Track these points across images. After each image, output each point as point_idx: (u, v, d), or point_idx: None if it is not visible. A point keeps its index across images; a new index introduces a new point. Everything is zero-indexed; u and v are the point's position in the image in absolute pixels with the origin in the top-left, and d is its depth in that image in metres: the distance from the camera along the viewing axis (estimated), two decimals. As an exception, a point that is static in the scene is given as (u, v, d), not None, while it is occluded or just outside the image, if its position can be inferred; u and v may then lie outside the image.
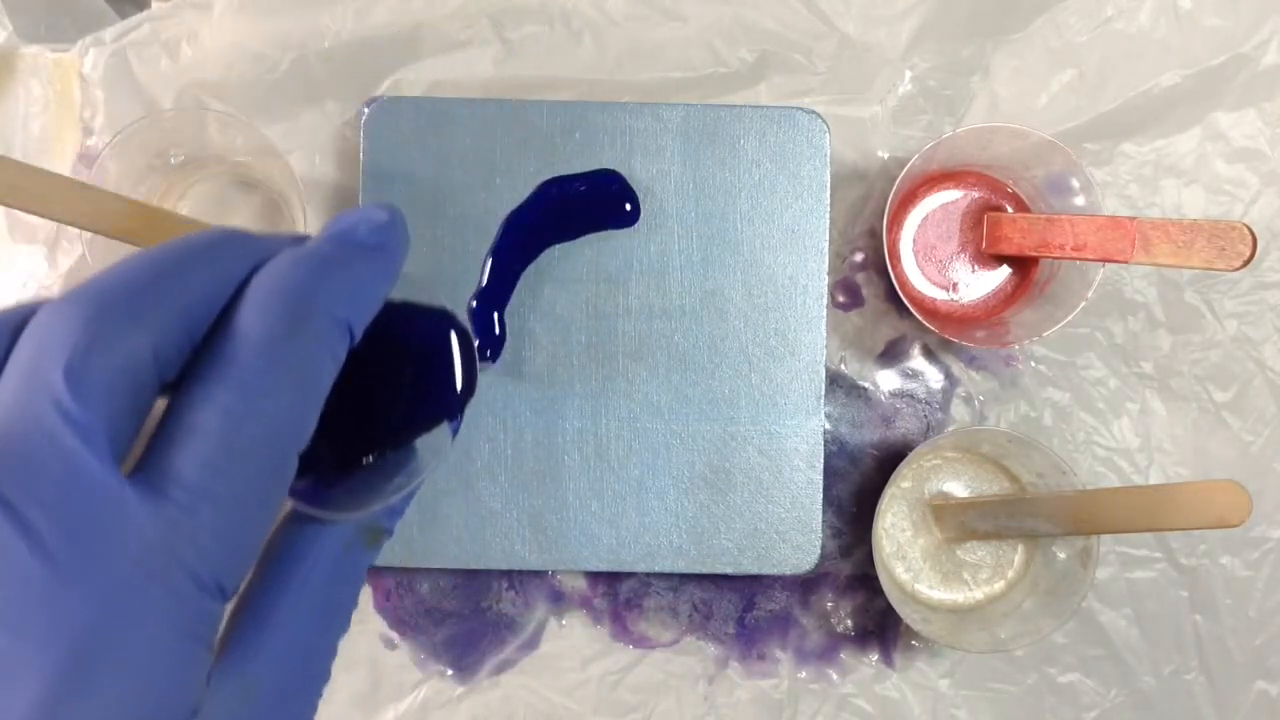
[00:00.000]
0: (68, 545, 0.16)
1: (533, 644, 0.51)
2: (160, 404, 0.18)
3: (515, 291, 0.48)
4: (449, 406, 0.22)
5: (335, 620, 0.22)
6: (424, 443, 0.22)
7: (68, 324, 0.17)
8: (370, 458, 0.22)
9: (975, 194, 0.52)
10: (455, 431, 0.23)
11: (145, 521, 0.17)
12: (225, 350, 0.18)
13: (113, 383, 0.17)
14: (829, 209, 0.49)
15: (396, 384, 0.22)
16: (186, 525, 0.17)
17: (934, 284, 0.52)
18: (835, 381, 0.52)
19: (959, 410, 0.52)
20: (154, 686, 0.17)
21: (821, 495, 0.49)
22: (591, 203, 0.49)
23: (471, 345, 0.23)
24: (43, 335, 0.17)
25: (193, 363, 0.18)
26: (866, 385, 0.52)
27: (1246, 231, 0.42)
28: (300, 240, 0.21)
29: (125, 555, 0.17)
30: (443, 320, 0.23)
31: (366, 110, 0.48)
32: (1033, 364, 0.52)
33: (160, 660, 0.17)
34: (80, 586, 0.16)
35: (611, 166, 0.49)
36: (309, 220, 0.49)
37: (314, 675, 0.21)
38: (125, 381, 0.17)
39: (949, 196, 0.52)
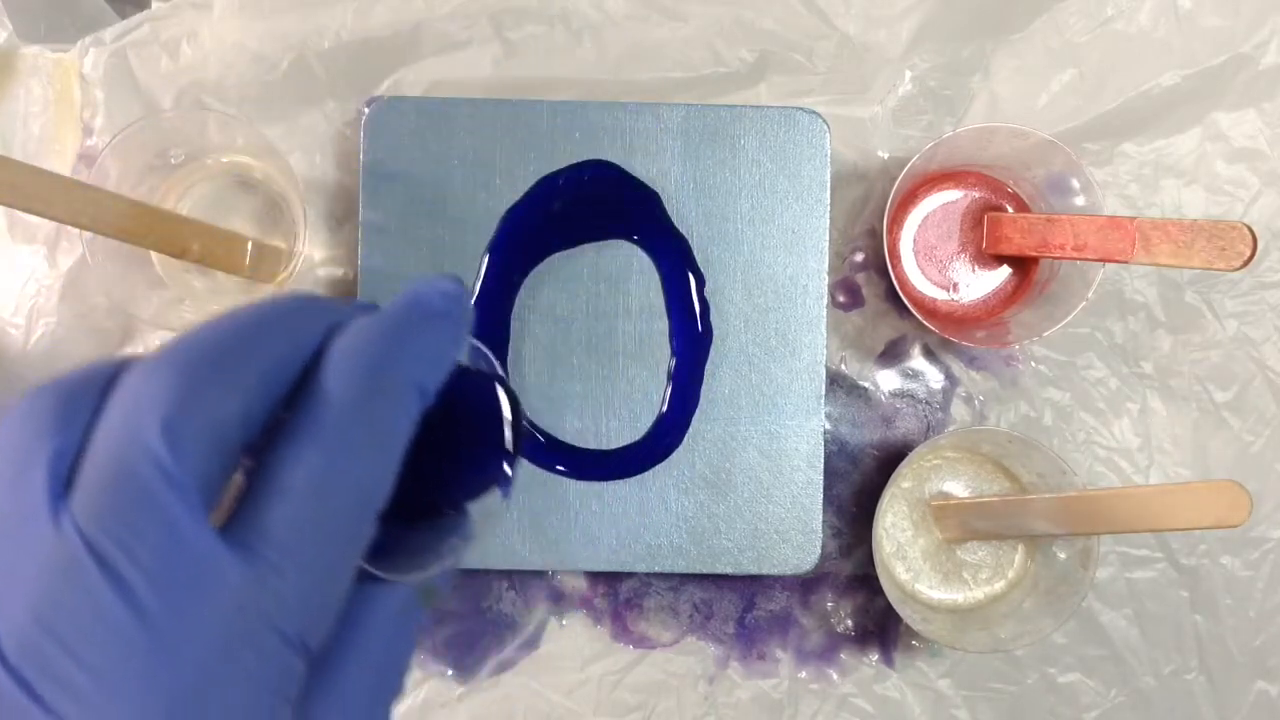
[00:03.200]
0: (165, 605, 0.16)
1: (533, 644, 0.51)
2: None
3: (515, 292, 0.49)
4: (501, 472, 0.23)
5: (393, 681, 0.22)
6: (476, 506, 0.23)
7: (162, 383, 0.17)
8: (428, 520, 0.22)
9: (975, 194, 0.52)
10: (506, 495, 0.23)
11: (238, 580, 0.17)
12: (311, 413, 0.18)
13: (206, 442, 0.17)
14: (829, 209, 0.49)
15: (453, 448, 0.22)
16: (276, 583, 0.17)
17: (934, 284, 0.52)
18: (835, 381, 0.52)
19: (959, 410, 0.52)
20: None
21: (821, 495, 0.49)
22: (590, 200, 0.49)
23: (521, 411, 0.23)
24: (137, 394, 0.17)
25: (277, 425, 0.19)
26: (867, 385, 0.52)
27: (1246, 231, 0.42)
28: (370, 308, 0.21)
29: (219, 614, 0.17)
30: (495, 386, 0.23)
31: (366, 110, 0.48)
32: (1033, 364, 0.52)
33: (249, 717, 0.17)
34: (177, 647, 0.16)
35: (611, 166, 0.49)
36: (309, 220, 0.49)
37: None
38: (216, 441, 0.17)
39: (949, 196, 0.52)
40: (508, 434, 0.23)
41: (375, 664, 0.21)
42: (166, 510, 0.17)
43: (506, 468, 0.23)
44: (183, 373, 0.18)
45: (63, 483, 0.17)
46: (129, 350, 0.51)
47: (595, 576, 0.51)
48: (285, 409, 0.19)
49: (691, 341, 0.49)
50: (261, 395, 0.18)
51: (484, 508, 0.23)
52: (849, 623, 0.52)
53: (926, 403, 0.52)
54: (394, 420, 0.19)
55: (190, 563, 0.17)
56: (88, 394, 0.18)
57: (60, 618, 0.16)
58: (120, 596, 0.16)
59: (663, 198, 0.49)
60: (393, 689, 0.22)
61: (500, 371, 0.24)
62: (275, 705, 0.18)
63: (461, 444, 0.22)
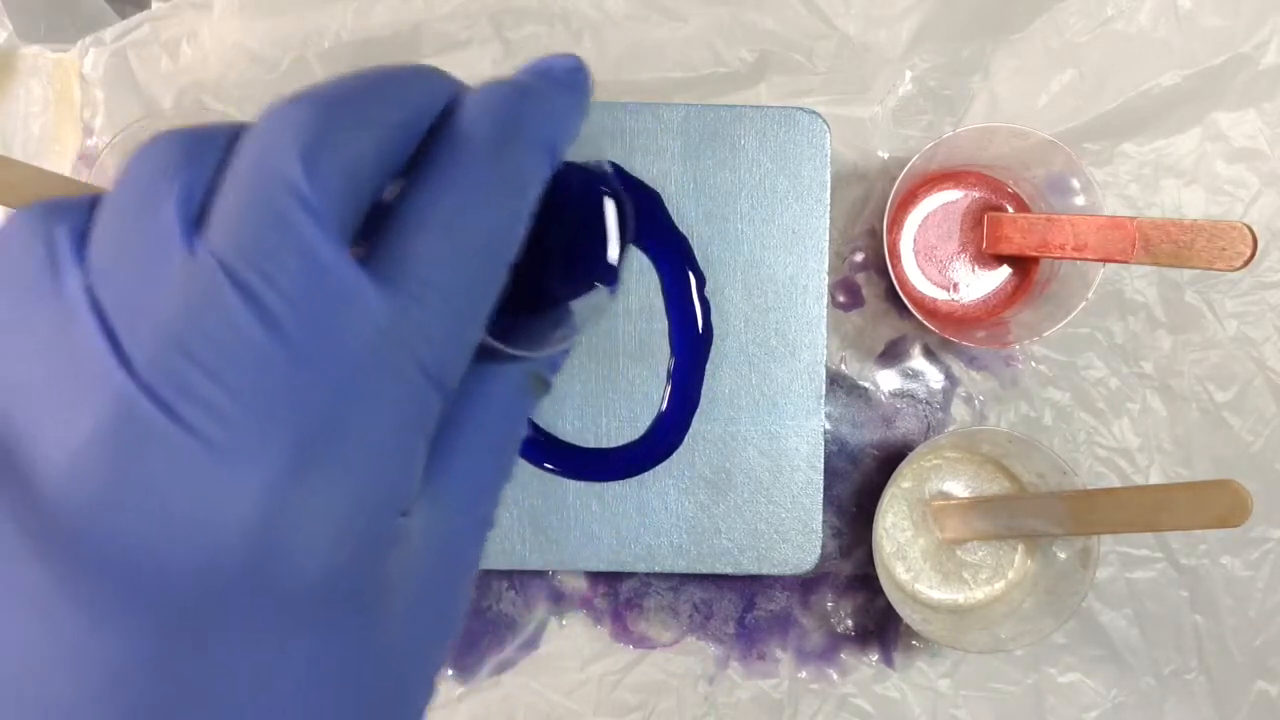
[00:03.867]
0: (304, 329, 0.16)
1: (533, 644, 0.51)
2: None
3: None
4: (607, 268, 0.23)
5: (504, 462, 0.22)
6: (582, 301, 0.23)
7: (300, 118, 0.17)
8: (538, 309, 0.22)
9: (975, 194, 0.52)
10: (613, 291, 0.23)
11: (378, 308, 0.17)
12: (448, 155, 0.18)
13: (344, 176, 0.17)
14: (829, 209, 0.49)
15: (562, 242, 0.22)
16: (416, 314, 0.17)
17: (934, 284, 0.52)
18: (835, 381, 0.52)
19: (959, 410, 0.52)
20: (381, 472, 0.17)
21: (822, 495, 0.49)
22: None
23: (627, 209, 0.23)
24: (275, 129, 0.17)
25: (413, 166, 0.19)
26: (867, 385, 0.52)
27: (1247, 231, 0.42)
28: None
29: (360, 340, 0.16)
30: (601, 183, 0.23)
31: (366, 110, 0.48)
32: (1033, 364, 0.52)
33: (388, 446, 0.17)
34: (316, 369, 0.16)
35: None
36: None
37: (482, 518, 0.21)
38: (353, 177, 0.17)
39: (949, 196, 0.52)
40: (613, 231, 0.23)
41: (491, 439, 0.21)
42: (305, 237, 0.16)
43: (613, 259, 0.23)
44: (321, 109, 0.17)
45: (194, 214, 0.17)
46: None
47: (595, 576, 0.51)
48: (407, 171, 0.19)
49: (691, 341, 0.49)
50: (396, 138, 0.18)
51: (590, 303, 0.23)
52: (849, 623, 0.52)
53: (926, 403, 0.52)
54: (525, 171, 0.19)
55: (330, 288, 0.16)
56: (217, 136, 0.18)
57: (198, 340, 0.16)
58: (260, 320, 0.16)
59: (663, 197, 0.49)
60: (505, 471, 0.22)
61: (613, 177, 0.24)
62: (413, 438, 0.18)
63: (571, 241, 0.23)
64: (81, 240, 0.17)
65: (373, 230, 0.18)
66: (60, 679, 0.15)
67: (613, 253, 0.23)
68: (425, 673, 0.20)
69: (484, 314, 0.19)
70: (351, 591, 0.17)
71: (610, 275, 0.23)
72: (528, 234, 0.20)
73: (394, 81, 0.19)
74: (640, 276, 0.49)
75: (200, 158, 0.17)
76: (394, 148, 0.18)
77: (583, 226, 0.23)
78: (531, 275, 0.21)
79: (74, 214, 0.17)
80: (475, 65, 0.51)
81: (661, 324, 0.49)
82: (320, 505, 0.16)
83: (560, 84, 0.21)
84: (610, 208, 0.23)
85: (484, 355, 0.21)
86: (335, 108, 0.18)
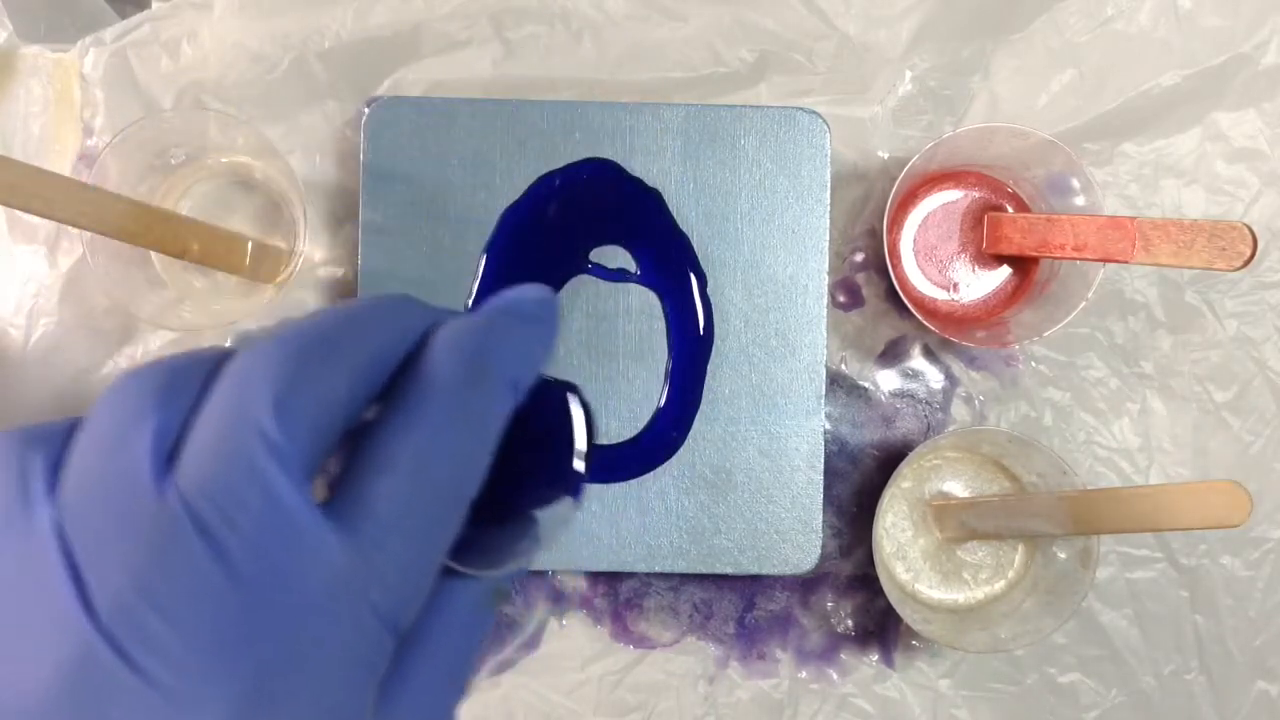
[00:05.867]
0: (261, 574, 0.16)
1: (533, 644, 0.51)
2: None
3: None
4: (573, 480, 0.23)
5: (461, 678, 0.22)
6: (547, 513, 0.23)
7: (274, 363, 0.18)
8: (501, 522, 0.23)
9: (975, 194, 0.52)
10: (578, 502, 0.23)
11: (337, 553, 0.17)
12: (414, 395, 0.19)
13: (314, 422, 0.18)
14: (829, 209, 0.49)
15: (528, 455, 0.23)
16: (375, 558, 0.18)
17: (934, 284, 0.52)
18: (835, 381, 0.52)
19: (959, 410, 0.52)
20: (330, 714, 0.17)
21: (822, 495, 0.49)
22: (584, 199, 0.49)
23: (594, 422, 0.23)
24: (248, 372, 0.18)
25: (379, 408, 0.19)
26: (867, 385, 0.52)
27: (1247, 231, 0.42)
28: (460, 312, 0.22)
29: (316, 585, 0.17)
30: (568, 397, 0.23)
31: (366, 110, 0.48)
32: (1033, 364, 0.52)
33: (339, 690, 0.18)
34: (271, 614, 0.17)
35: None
36: (309, 220, 0.49)
37: None
38: (323, 422, 0.18)
39: (949, 196, 0.52)
40: (580, 444, 0.23)
41: (448, 659, 0.21)
42: (272, 483, 0.17)
43: (578, 472, 0.23)
44: (294, 353, 0.18)
45: (166, 453, 0.17)
46: (129, 351, 0.51)
47: (595, 576, 0.51)
48: (380, 399, 0.19)
49: (691, 341, 0.49)
50: (367, 379, 0.19)
51: (555, 514, 0.23)
52: (849, 623, 0.52)
53: (926, 403, 0.52)
54: (490, 410, 0.20)
55: (291, 534, 0.17)
56: (192, 374, 0.18)
57: (159, 585, 0.16)
58: (219, 564, 0.16)
59: (663, 197, 0.49)
60: (460, 688, 0.22)
61: (575, 383, 0.24)
62: (364, 680, 0.18)
63: (536, 451, 0.23)
64: (55, 471, 0.18)
65: (342, 453, 0.19)
66: None
67: (579, 462, 0.23)
68: None
69: (443, 551, 0.19)
70: None
71: (576, 485, 0.23)
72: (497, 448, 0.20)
73: (368, 321, 0.20)
74: (641, 276, 0.49)
75: (175, 396, 0.18)
76: (366, 384, 0.19)
77: (546, 437, 0.23)
78: (495, 488, 0.21)
79: (50, 443, 0.18)
80: (475, 65, 0.51)
81: (661, 324, 0.49)
82: None
83: (527, 317, 0.22)
84: (577, 415, 0.23)
85: (444, 573, 0.21)
86: (309, 352, 0.18)
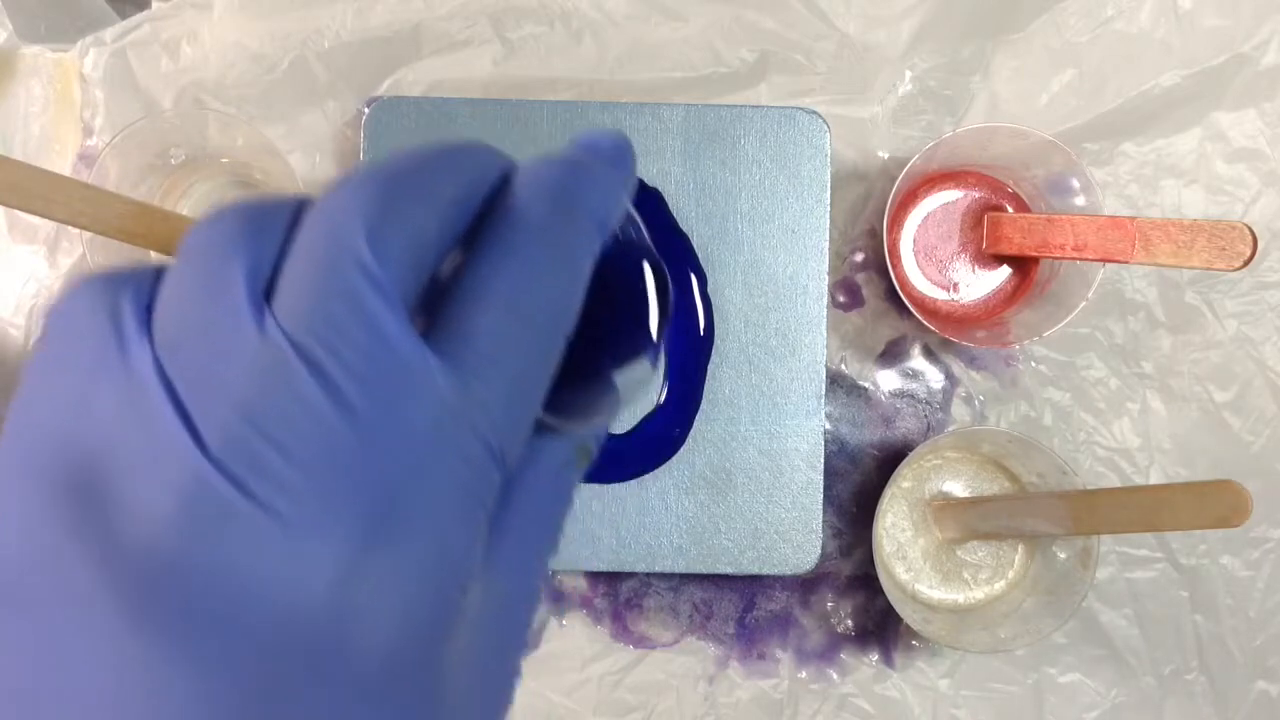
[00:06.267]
0: (373, 407, 0.16)
1: (533, 644, 0.51)
2: None
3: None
4: (648, 341, 0.23)
5: (554, 536, 0.22)
6: (624, 374, 0.23)
7: (364, 195, 0.17)
8: (582, 381, 0.22)
9: (975, 194, 0.52)
10: (654, 364, 0.23)
11: (443, 384, 0.17)
12: (506, 232, 0.19)
13: (408, 253, 0.17)
14: (829, 209, 0.49)
15: (606, 314, 0.23)
16: (480, 391, 0.17)
17: (934, 284, 0.52)
18: (835, 381, 0.52)
19: (959, 410, 0.52)
20: (447, 549, 0.17)
21: (822, 495, 0.49)
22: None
23: (668, 282, 0.23)
24: (340, 205, 0.17)
25: (471, 242, 0.19)
26: (867, 385, 0.52)
27: (1247, 231, 0.42)
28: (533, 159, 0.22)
29: (426, 417, 0.17)
30: (643, 256, 0.23)
31: (366, 110, 0.48)
32: (1033, 364, 0.52)
33: (452, 522, 0.17)
34: (384, 446, 0.16)
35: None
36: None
37: (530, 591, 0.21)
38: (416, 254, 0.18)
39: (949, 196, 0.52)
40: (653, 304, 0.23)
41: (543, 512, 0.21)
42: (373, 315, 0.17)
43: (655, 329, 0.23)
44: (385, 187, 0.18)
45: (262, 290, 0.17)
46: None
47: (595, 576, 0.51)
48: (464, 246, 0.19)
49: (692, 341, 0.49)
50: (455, 213, 0.19)
51: (632, 375, 0.23)
52: (849, 623, 0.52)
53: (926, 403, 0.52)
54: (580, 246, 0.20)
55: (398, 365, 0.17)
56: (277, 215, 0.18)
57: (269, 416, 0.16)
58: (329, 396, 0.16)
59: (663, 197, 0.49)
60: (554, 542, 0.22)
61: (649, 242, 0.24)
62: (476, 513, 0.18)
63: (613, 312, 0.23)
64: (147, 313, 0.17)
65: (431, 303, 0.18)
66: None
67: (654, 323, 0.23)
68: None
69: (543, 389, 0.19)
70: (415, 666, 0.17)
71: (652, 347, 0.23)
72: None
73: (451, 158, 0.19)
74: (640, 276, 0.49)
75: (266, 232, 0.18)
76: (453, 222, 0.19)
77: (625, 297, 0.23)
78: (577, 348, 0.21)
79: (139, 285, 0.18)
80: (475, 65, 0.51)
81: (661, 324, 0.49)
82: (388, 580, 0.16)
83: (607, 160, 0.21)
84: (650, 277, 0.23)
85: (534, 429, 0.22)
86: (397, 184, 0.18)
